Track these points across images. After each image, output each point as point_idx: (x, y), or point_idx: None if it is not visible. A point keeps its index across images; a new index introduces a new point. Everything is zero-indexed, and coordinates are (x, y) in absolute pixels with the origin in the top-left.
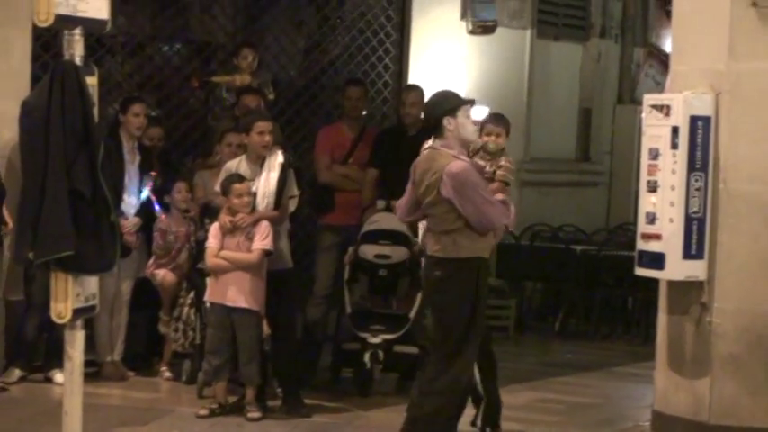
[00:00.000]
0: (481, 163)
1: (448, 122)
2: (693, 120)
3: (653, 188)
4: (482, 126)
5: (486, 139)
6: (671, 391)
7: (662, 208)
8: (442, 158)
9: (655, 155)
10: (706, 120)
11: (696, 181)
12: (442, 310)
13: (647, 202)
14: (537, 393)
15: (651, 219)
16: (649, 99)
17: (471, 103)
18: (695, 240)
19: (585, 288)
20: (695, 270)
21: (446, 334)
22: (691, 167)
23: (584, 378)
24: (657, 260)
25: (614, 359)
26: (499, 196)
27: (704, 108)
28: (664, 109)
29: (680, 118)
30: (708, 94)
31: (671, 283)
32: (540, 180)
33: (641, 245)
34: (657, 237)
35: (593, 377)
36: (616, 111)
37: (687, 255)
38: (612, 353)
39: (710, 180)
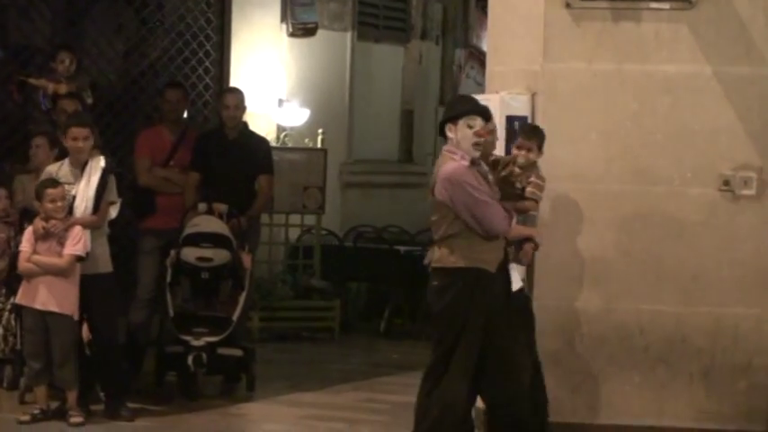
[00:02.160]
0: (485, 168)
1: (449, 129)
2: (510, 120)
3: None
4: (515, 139)
5: (516, 152)
6: None
7: None
8: (442, 161)
9: None
10: (523, 120)
11: None
12: (434, 321)
13: None
14: (362, 393)
15: None
16: None
17: (483, 114)
18: None
19: (410, 288)
20: (515, 269)
21: (434, 347)
22: None
23: (410, 378)
24: None
25: None
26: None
27: (521, 108)
28: None
29: (497, 118)
30: (524, 95)
31: None
32: (364, 181)
33: None
34: None
35: (418, 377)
36: (438, 112)
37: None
38: None
39: None
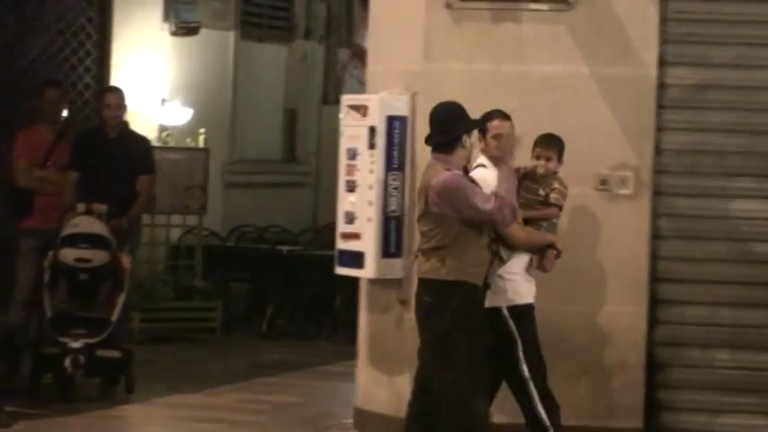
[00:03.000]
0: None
1: (465, 140)
2: (390, 120)
3: (351, 188)
4: (533, 148)
5: (535, 162)
6: (372, 388)
7: (360, 207)
8: (432, 170)
9: (353, 155)
10: (402, 120)
11: (394, 180)
12: (439, 337)
13: (345, 202)
14: (242, 394)
15: (350, 218)
16: (347, 99)
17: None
18: (393, 239)
19: (292, 288)
20: (394, 268)
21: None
22: (388, 167)
23: (291, 378)
24: (357, 259)
25: (321, 358)
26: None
27: (400, 108)
28: (361, 109)
29: (377, 118)
30: (404, 95)
31: (371, 282)
32: (246, 181)
33: (341, 244)
34: (356, 236)
35: (300, 377)
36: (322, 111)
37: (386, 253)
38: (319, 352)
39: (408, 179)
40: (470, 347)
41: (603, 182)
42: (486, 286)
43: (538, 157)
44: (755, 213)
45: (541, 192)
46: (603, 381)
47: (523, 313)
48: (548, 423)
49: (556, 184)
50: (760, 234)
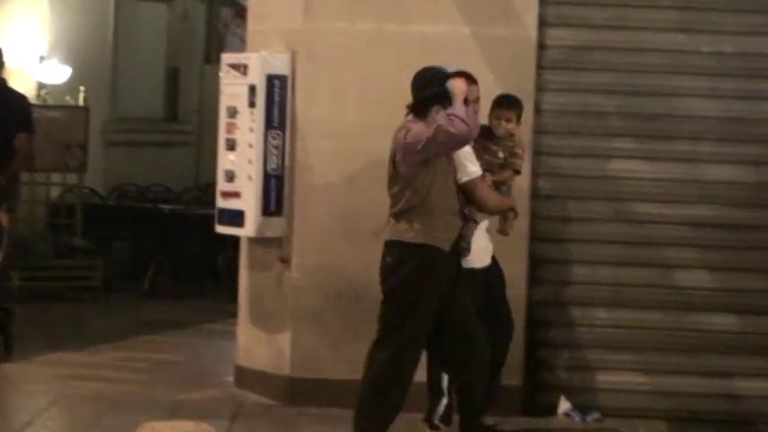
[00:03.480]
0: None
1: (437, 111)
2: (270, 79)
3: (231, 146)
4: (491, 109)
5: (495, 123)
6: (253, 346)
7: (240, 166)
8: (401, 132)
9: (233, 113)
10: (282, 79)
11: (274, 139)
12: (387, 296)
13: (225, 160)
14: (123, 352)
15: (230, 177)
16: (227, 58)
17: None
18: (274, 198)
19: (174, 247)
20: (274, 227)
21: (384, 321)
22: (268, 125)
23: (172, 336)
24: (237, 217)
25: (203, 317)
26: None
27: (281, 67)
28: (241, 68)
29: (257, 77)
30: (284, 54)
31: (251, 240)
32: (128, 140)
33: (221, 203)
34: (236, 194)
35: (182, 335)
36: (204, 70)
37: (266, 212)
38: (202, 311)
39: (288, 138)
40: (417, 303)
41: None
42: (459, 251)
43: (497, 118)
44: (634, 173)
45: (500, 154)
46: None
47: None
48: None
49: (516, 149)
50: (639, 194)
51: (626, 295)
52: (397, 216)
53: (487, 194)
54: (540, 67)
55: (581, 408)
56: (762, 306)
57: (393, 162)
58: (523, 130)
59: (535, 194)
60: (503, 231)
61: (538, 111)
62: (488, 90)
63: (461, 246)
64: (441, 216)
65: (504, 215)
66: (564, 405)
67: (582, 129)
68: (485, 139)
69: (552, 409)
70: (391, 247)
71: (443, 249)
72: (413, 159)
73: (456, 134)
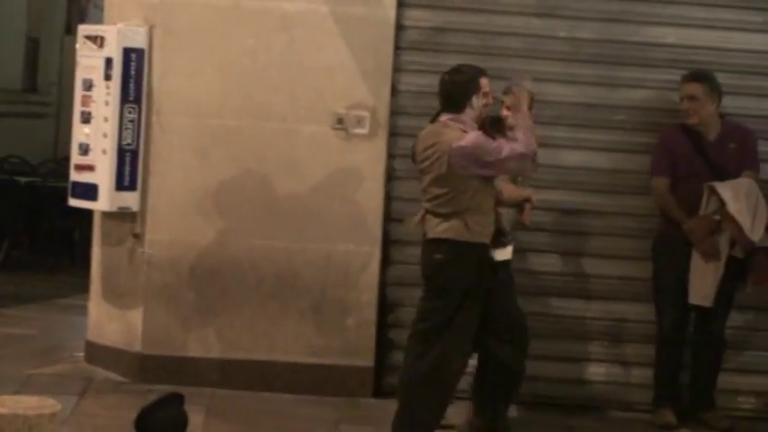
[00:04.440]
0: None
1: (471, 103)
2: (127, 51)
3: (86, 119)
4: (503, 100)
5: (506, 113)
6: (104, 322)
7: (95, 139)
8: (452, 132)
9: (88, 86)
10: (140, 52)
11: (130, 113)
12: (435, 291)
13: (80, 133)
14: None
15: (84, 150)
16: (84, 30)
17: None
18: (128, 172)
19: (29, 220)
20: (128, 201)
21: (428, 314)
22: (124, 99)
23: (25, 310)
24: (90, 191)
25: (58, 291)
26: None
27: (138, 40)
28: (98, 40)
29: (113, 49)
30: (142, 27)
31: (104, 215)
32: None
33: (74, 176)
34: (90, 168)
35: (35, 309)
36: (64, 41)
37: (120, 186)
38: (57, 285)
39: (144, 112)
40: (466, 299)
41: (340, 121)
42: (500, 244)
43: (508, 108)
44: None
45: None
46: (336, 320)
47: None
48: None
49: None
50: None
51: None
52: (444, 216)
53: (504, 186)
54: (397, 47)
55: None
56: (614, 292)
57: (421, 160)
58: (380, 112)
59: (390, 175)
60: (521, 223)
61: (395, 91)
62: (346, 69)
63: (502, 239)
64: (489, 213)
65: (521, 206)
66: None
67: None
68: (496, 131)
69: None
70: (439, 244)
71: (487, 244)
72: (475, 171)
73: (526, 159)
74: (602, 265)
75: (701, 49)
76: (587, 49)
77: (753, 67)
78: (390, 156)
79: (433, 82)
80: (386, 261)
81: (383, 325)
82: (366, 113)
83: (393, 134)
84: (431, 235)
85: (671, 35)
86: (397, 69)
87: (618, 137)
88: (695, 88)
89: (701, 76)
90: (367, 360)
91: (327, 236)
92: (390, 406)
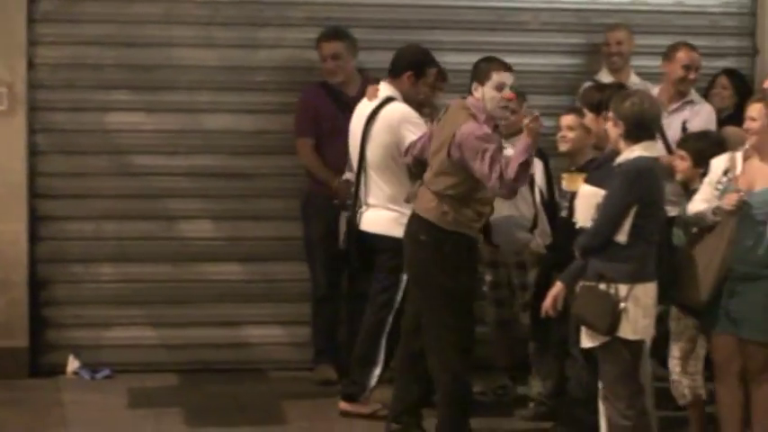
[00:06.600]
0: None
1: (475, 88)
2: None
3: None
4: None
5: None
6: None
7: None
8: (461, 116)
9: None
10: None
11: None
12: (421, 275)
13: None
14: None
15: None
16: None
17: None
18: None
19: None
20: None
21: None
22: None
23: None
24: None
25: None
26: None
27: None
28: None
29: None
30: None
31: None
32: None
33: None
34: None
35: None
36: None
37: None
38: None
39: None
40: (451, 295)
41: None
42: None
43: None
44: (132, 126)
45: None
46: None
47: None
48: None
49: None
50: (137, 146)
51: (131, 249)
52: (437, 194)
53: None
54: (31, 20)
55: (90, 366)
56: (265, 253)
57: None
58: (17, 86)
59: (33, 151)
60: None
61: (32, 65)
62: None
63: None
64: (476, 205)
65: None
66: (73, 364)
67: (78, 82)
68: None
69: (61, 369)
70: (428, 225)
71: (474, 237)
72: (473, 167)
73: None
74: (253, 227)
75: (335, 6)
76: (224, 12)
77: (385, 21)
78: (32, 131)
79: (69, 53)
80: (35, 238)
81: (36, 303)
82: (3, 89)
83: (33, 109)
84: (419, 210)
85: None
86: (32, 42)
87: (259, 98)
88: (337, 47)
89: (340, 33)
90: (20, 340)
91: None
92: (49, 385)
